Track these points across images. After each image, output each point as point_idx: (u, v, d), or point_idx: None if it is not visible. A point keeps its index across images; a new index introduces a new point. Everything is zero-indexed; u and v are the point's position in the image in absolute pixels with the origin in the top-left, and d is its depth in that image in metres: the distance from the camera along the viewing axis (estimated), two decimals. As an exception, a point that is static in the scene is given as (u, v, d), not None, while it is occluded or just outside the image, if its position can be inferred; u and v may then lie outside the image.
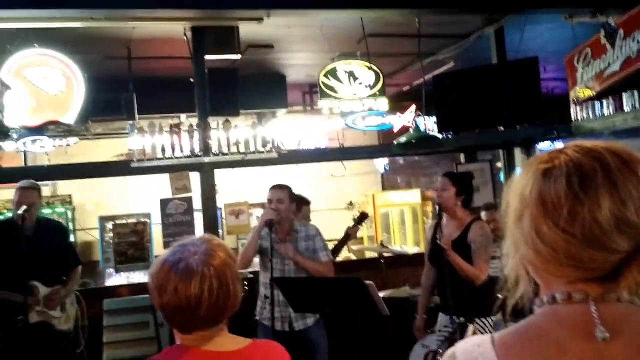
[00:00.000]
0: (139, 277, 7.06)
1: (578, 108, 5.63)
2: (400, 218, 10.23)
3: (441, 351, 3.07)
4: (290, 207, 4.31)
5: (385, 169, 10.72)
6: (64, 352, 4.38)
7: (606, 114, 5.28)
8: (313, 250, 4.22)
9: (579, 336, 0.93)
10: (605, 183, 0.93)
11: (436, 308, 4.09)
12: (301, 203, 5.21)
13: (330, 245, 4.70)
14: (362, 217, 5.58)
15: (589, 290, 0.96)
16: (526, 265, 1.02)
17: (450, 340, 3.04)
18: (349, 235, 5.39)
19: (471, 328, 2.68)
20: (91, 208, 9.34)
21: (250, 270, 4.98)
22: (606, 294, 0.95)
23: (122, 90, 6.64)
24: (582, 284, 0.96)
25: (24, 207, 4.13)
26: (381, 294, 4.40)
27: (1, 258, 4.19)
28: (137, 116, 6.50)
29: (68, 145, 6.54)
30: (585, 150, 0.98)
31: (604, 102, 5.33)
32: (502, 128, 6.18)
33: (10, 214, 4.58)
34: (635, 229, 0.92)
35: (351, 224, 5.49)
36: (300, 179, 8.93)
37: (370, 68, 6.73)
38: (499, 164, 7.21)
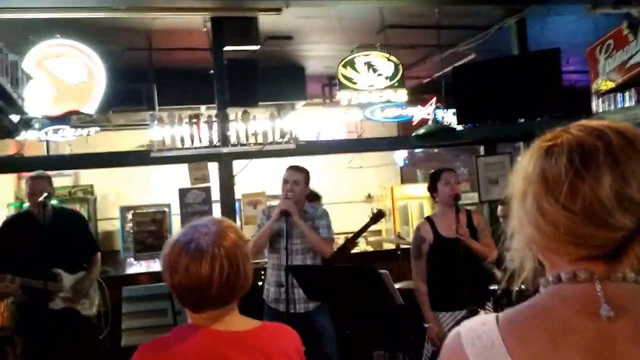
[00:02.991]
0: (158, 265, 7.12)
1: (599, 100, 5.55)
2: (419, 211, 10.18)
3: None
4: (304, 190, 4.30)
5: (404, 161, 10.67)
6: (87, 337, 4.46)
7: (627, 106, 5.20)
8: (316, 227, 4.25)
9: (583, 314, 0.93)
10: (606, 160, 0.93)
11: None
12: (313, 198, 5.20)
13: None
14: (379, 215, 5.23)
15: (594, 269, 0.95)
16: (530, 244, 1.02)
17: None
18: (346, 247, 4.77)
19: (482, 313, 2.68)
20: (112, 198, 9.45)
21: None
22: (611, 273, 0.95)
23: (143, 81, 6.71)
24: (587, 263, 0.96)
25: (44, 194, 4.21)
26: (397, 285, 4.39)
27: (22, 248, 4.27)
28: (157, 107, 6.57)
29: (89, 134, 6.63)
30: (589, 129, 0.98)
31: (626, 93, 5.25)
32: (522, 120, 6.13)
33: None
34: (638, 206, 0.92)
35: (368, 217, 5.39)
36: (318, 170, 8.95)
37: (389, 59, 6.71)
38: (520, 158, 7.14)
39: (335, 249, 4.77)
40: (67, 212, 4.86)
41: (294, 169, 4.31)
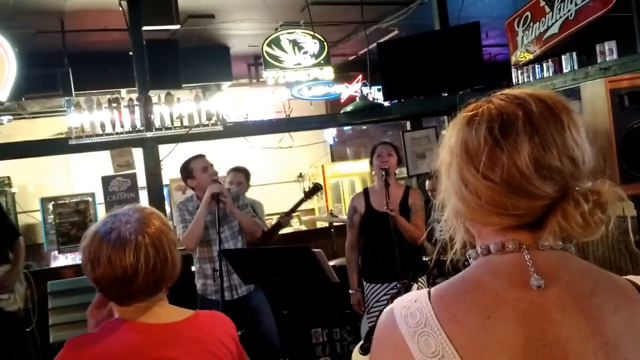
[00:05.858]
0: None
1: (519, 72, 5.70)
2: (350, 188, 10.28)
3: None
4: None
5: (334, 139, 10.72)
6: (11, 332, 4.20)
7: (546, 76, 5.37)
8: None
9: (514, 285, 0.93)
10: (525, 128, 0.92)
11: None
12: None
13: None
14: (314, 190, 5.15)
15: (521, 239, 0.95)
16: (457, 216, 1.02)
17: (394, 300, 3.08)
18: (280, 225, 4.91)
19: (415, 286, 2.71)
20: (32, 189, 9.03)
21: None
22: (539, 242, 0.95)
23: (57, 65, 6.38)
24: (513, 233, 0.95)
25: None
26: (332, 262, 4.41)
27: None
28: (73, 92, 6.26)
29: (1, 124, 6.27)
30: (510, 98, 0.97)
31: (544, 64, 5.40)
32: (445, 94, 6.24)
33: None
34: (558, 173, 0.91)
35: (300, 195, 5.37)
36: (248, 151, 8.86)
37: (314, 37, 6.66)
38: (444, 132, 7.27)
39: (269, 227, 4.80)
40: None
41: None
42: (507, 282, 0.93)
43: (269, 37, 6.57)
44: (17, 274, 4.27)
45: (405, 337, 0.93)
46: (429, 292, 0.98)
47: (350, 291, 4.14)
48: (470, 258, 1.01)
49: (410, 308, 0.96)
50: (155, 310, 1.59)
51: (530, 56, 5.60)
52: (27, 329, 4.44)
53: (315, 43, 6.67)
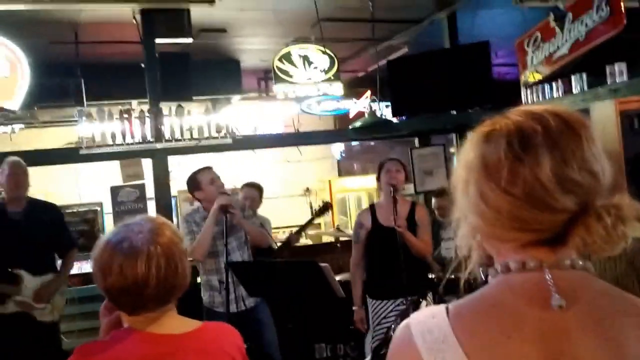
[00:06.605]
0: (91, 266, 6.91)
1: (528, 91, 5.71)
2: (357, 203, 10.28)
3: (393, 326, 3.09)
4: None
5: (341, 155, 10.74)
6: (48, 344, 4.07)
7: (555, 97, 5.37)
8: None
9: (534, 304, 0.92)
10: (545, 142, 0.92)
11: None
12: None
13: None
14: (324, 208, 5.25)
15: (542, 257, 0.94)
16: (475, 233, 1.00)
17: (403, 316, 3.05)
18: (289, 242, 5.00)
19: (424, 303, 2.70)
20: (41, 198, 9.05)
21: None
22: (560, 260, 0.94)
23: (70, 75, 6.45)
24: (533, 250, 0.94)
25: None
26: (337, 277, 4.40)
27: None
28: (85, 102, 6.32)
29: (13, 132, 6.32)
30: (527, 113, 0.97)
31: (553, 84, 5.41)
32: (454, 112, 6.25)
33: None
34: (579, 187, 0.91)
35: (307, 210, 5.39)
36: (256, 165, 8.89)
37: (324, 52, 6.71)
38: (453, 149, 7.28)
39: (280, 244, 4.82)
40: (43, 204, 4.40)
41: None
42: (527, 302, 0.92)
43: (280, 52, 6.62)
44: (59, 284, 4.16)
45: (422, 353, 0.92)
46: (446, 309, 0.96)
47: (353, 308, 4.11)
48: (489, 276, 1.00)
49: (428, 324, 0.95)
50: (164, 320, 1.59)
51: (540, 76, 5.62)
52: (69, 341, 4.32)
53: (325, 59, 6.72)
